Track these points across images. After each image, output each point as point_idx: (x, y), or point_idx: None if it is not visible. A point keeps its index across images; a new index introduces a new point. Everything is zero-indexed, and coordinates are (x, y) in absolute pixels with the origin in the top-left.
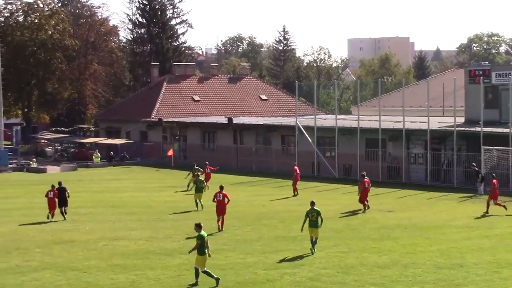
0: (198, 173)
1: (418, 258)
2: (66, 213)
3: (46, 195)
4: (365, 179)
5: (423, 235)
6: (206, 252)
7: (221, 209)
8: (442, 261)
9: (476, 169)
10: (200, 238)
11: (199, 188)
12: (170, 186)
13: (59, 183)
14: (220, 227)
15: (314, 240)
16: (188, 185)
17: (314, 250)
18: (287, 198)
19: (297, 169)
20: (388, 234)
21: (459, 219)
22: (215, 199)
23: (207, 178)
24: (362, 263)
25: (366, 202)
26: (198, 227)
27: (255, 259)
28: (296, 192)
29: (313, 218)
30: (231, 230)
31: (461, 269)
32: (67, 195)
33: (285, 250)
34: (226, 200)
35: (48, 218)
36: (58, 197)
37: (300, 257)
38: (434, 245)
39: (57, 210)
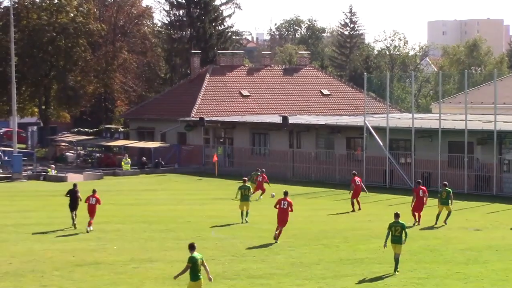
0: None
1: None
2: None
3: (87, 201)
4: (421, 187)
5: None
6: (201, 277)
7: (283, 218)
8: None
9: None
10: (191, 261)
11: (245, 196)
12: (213, 198)
13: (74, 185)
14: (277, 237)
15: (396, 257)
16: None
17: (397, 270)
18: (351, 213)
19: (357, 180)
20: (476, 257)
21: None
22: (278, 206)
23: (258, 187)
24: None
25: (416, 215)
26: (191, 248)
27: (314, 285)
28: (355, 207)
29: (397, 232)
30: (286, 251)
31: None
32: (79, 200)
33: (350, 275)
34: (289, 208)
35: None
36: (71, 200)
37: (368, 284)
38: None
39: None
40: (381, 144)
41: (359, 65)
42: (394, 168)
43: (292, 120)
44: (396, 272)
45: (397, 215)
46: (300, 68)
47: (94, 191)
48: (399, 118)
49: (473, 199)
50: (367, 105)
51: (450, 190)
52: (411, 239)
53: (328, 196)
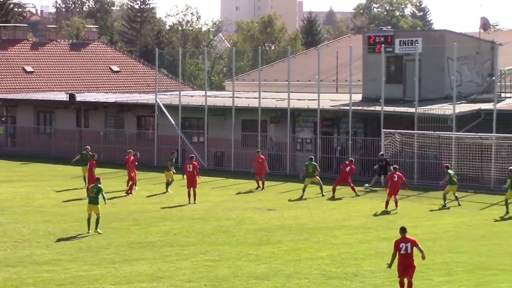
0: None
1: (304, 266)
2: None
3: None
4: (193, 162)
5: (310, 239)
6: None
7: (192, 180)
8: (333, 269)
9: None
10: None
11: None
12: None
13: None
14: (191, 198)
15: (97, 217)
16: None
17: (97, 229)
18: (149, 194)
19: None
20: (268, 238)
21: (354, 219)
22: (185, 170)
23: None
24: (235, 273)
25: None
26: None
27: (102, 271)
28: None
29: (93, 194)
30: (73, 235)
31: (355, 279)
32: None
33: (141, 259)
34: (196, 171)
35: None
36: None
37: (159, 268)
38: (323, 250)
39: None
40: (173, 122)
41: (150, 40)
42: (186, 147)
43: (79, 97)
44: (96, 232)
45: (98, 180)
46: (88, 43)
47: None
48: (191, 96)
49: (266, 178)
50: (158, 82)
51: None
52: (204, 221)
53: (118, 177)
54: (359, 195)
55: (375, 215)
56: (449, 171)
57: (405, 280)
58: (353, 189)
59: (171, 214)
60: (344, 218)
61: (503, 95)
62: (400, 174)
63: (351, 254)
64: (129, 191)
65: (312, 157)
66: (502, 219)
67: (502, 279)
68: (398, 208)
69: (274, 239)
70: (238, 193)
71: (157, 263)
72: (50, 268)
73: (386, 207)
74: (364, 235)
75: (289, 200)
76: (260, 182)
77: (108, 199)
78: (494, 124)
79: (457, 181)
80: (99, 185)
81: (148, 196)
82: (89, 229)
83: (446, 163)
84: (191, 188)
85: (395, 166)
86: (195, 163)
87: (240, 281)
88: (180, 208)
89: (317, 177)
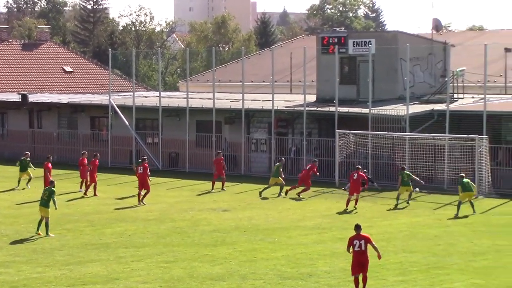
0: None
1: (259, 267)
2: None
3: None
4: (144, 164)
5: (266, 239)
6: None
7: (143, 183)
8: (288, 270)
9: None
10: None
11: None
12: None
13: None
14: (141, 200)
15: (45, 221)
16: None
17: (48, 233)
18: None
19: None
20: (224, 239)
21: (309, 219)
22: (136, 172)
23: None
24: (191, 274)
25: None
26: None
27: (56, 273)
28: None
29: (45, 196)
30: (25, 237)
31: (310, 279)
32: None
33: (95, 260)
34: (146, 172)
35: None
36: None
37: (114, 269)
38: (279, 251)
39: None
40: (127, 123)
41: (104, 41)
42: (140, 148)
43: (32, 98)
44: (48, 235)
45: (51, 183)
46: (40, 43)
47: None
48: (145, 97)
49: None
50: (112, 83)
51: (409, 173)
52: (159, 222)
53: (72, 178)
54: (302, 198)
55: (335, 213)
56: (404, 172)
57: (360, 277)
58: (305, 189)
59: (125, 215)
60: (299, 218)
61: (455, 95)
62: (362, 174)
63: (306, 254)
64: (89, 193)
65: (282, 158)
66: (456, 218)
67: (455, 279)
68: (356, 207)
69: (229, 240)
70: (194, 194)
71: (111, 265)
72: (3, 270)
73: (347, 205)
74: (319, 236)
75: (261, 198)
76: (220, 183)
77: (67, 200)
78: (447, 124)
79: (410, 181)
80: (52, 188)
81: (118, 199)
82: (37, 230)
83: (403, 165)
84: (142, 190)
85: (358, 166)
86: (146, 164)
87: (195, 282)
88: (135, 209)
89: (280, 178)
